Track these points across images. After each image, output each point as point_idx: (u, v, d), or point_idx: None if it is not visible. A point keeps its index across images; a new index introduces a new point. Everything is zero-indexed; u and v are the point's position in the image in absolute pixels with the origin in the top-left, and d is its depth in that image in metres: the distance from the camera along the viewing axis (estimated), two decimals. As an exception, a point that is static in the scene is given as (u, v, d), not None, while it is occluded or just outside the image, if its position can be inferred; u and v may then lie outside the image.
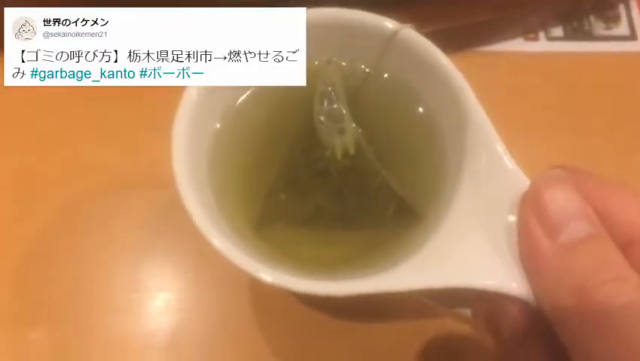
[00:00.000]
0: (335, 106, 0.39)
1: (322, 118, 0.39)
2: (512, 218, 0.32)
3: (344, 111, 0.39)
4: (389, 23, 0.38)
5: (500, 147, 0.34)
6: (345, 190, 0.39)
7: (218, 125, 0.38)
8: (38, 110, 0.55)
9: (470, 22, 0.57)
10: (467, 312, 0.38)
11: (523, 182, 0.33)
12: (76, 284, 0.49)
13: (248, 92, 0.39)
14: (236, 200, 0.38)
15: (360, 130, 0.39)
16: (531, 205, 0.31)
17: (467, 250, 0.33)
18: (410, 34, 0.37)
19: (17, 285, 0.49)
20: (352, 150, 0.38)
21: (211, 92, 0.35)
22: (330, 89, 0.39)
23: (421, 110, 0.40)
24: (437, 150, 0.38)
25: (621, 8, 0.61)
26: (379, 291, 0.31)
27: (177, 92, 0.33)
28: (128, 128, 0.50)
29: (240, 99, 0.39)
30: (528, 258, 0.31)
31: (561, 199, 0.30)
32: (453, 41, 0.56)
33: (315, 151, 0.39)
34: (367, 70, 0.40)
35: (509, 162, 0.34)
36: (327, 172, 0.38)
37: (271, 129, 0.40)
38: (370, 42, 0.38)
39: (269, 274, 0.31)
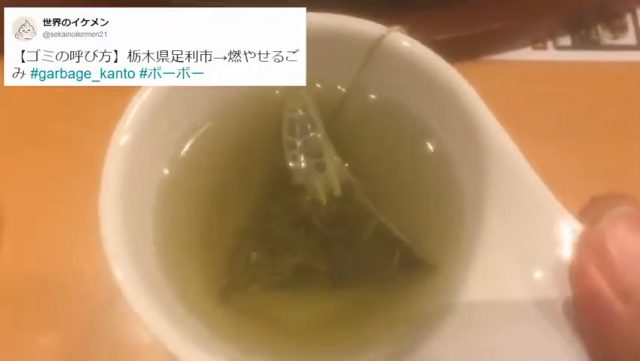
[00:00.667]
0: (311, 136, 0.31)
1: (295, 153, 0.30)
2: (558, 269, 0.24)
3: (322, 141, 0.31)
4: (372, 27, 0.29)
5: (533, 178, 0.26)
6: (332, 242, 0.30)
7: (166, 172, 0.31)
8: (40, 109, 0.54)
9: (481, 31, 0.56)
10: None
11: (568, 219, 0.25)
12: (85, 288, 0.48)
13: (201, 129, 0.32)
14: (192, 267, 0.30)
15: (346, 164, 0.31)
16: (594, 256, 0.23)
17: (501, 316, 0.24)
18: (399, 39, 0.29)
19: (25, 288, 0.48)
20: (337, 191, 0.30)
21: (154, 128, 0.29)
22: (302, 114, 0.31)
23: (421, 134, 0.31)
24: (448, 182, 0.30)
25: (628, 18, 0.60)
26: None
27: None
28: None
29: (193, 138, 0.32)
30: (594, 326, 0.23)
31: (635, 248, 0.22)
32: (464, 50, 0.55)
33: (290, 196, 0.31)
34: (347, 89, 0.32)
35: (545, 194, 0.26)
36: (309, 221, 0.30)
37: (232, 173, 0.32)
38: (349, 54, 0.30)
39: None
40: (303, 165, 0.30)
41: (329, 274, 0.30)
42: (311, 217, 0.30)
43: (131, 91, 0.29)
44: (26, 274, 0.48)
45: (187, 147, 0.31)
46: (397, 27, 0.29)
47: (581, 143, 0.53)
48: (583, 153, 0.52)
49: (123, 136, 0.28)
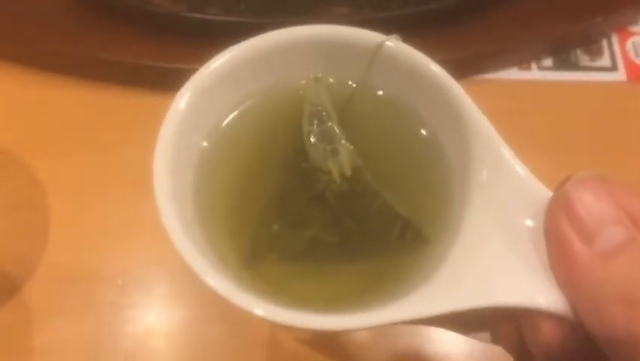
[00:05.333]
0: (326, 125, 0.30)
1: (313, 140, 0.30)
2: (531, 225, 0.24)
3: (337, 131, 0.30)
4: (374, 36, 0.29)
5: (507, 153, 0.26)
6: (343, 217, 0.29)
7: (205, 144, 0.30)
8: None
9: (472, 53, 0.52)
10: (486, 336, 0.28)
11: (537, 186, 0.25)
12: (118, 280, 0.44)
13: (235, 111, 0.31)
14: (224, 232, 0.29)
15: (354, 149, 0.30)
16: (562, 209, 0.23)
17: (486, 267, 0.24)
18: (397, 45, 0.29)
19: (66, 282, 0.44)
20: (348, 172, 0.29)
21: (199, 102, 0.28)
22: (319, 108, 0.30)
23: (417, 124, 0.30)
24: (439, 164, 0.30)
25: (604, 43, 0.56)
26: (388, 322, 0.23)
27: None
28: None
29: (228, 118, 0.31)
30: (563, 267, 0.23)
31: (594, 203, 0.22)
32: (457, 70, 0.50)
33: (308, 176, 0.30)
34: (357, 86, 0.31)
35: (519, 167, 0.26)
36: (324, 198, 0.29)
37: (260, 153, 0.31)
38: (357, 57, 0.30)
39: (275, 312, 0.23)
40: (319, 150, 0.30)
41: (340, 245, 0.29)
42: (325, 194, 0.29)
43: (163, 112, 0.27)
44: (69, 269, 0.44)
45: (222, 125, 0.30)
46: (395, 35, 0.29)
47: (561, 152, 0.50)
48: (562, 160, 0.48)
49: (181, 101, 0.28)
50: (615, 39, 0.55)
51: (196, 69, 0.28)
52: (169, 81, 0.50)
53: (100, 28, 0.51)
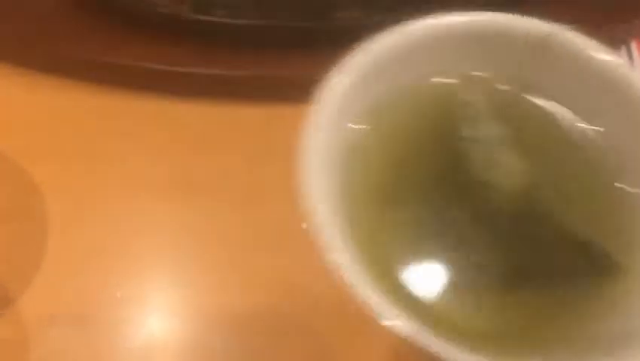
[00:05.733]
0: (485, 130, 0.26)
1: (470, 147, 0.26)
2: None
3: (498, 137, 0.26)
4: (540, 25, 0.25)
5: None
6: (513, 240, 0.25)
7: (350, 141, 0.26)
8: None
9: None
10: None
11: None
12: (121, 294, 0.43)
13: (379, 109, 0.26)
14: (372, 250, 0.24)
15: (519, 159, 0.26)
16: None
17: None
18: (565, 36, 0.25)
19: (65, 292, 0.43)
20: (517, 186, 0.25)
21: (345, 97, 0.25)
22: (475, 109, 0.27)
23: (592, 130, 0.26)
24: (620, 176, 0.25)
25: (623, 50, 0.54)
26: None
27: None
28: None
29: (373, 116, 0.26)
30: None
31: None
32: None
33: (469, 190, 0.25)
34: (517, 85, 0.27)
35: None
36: (489, 217, 0.25)
37: (407, 158, 0.27)
38: (517, 50, 0.26)
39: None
40: (478, 159, 0.26)
41: (508, 274, 0.24)
42: (490, 213, 0.25)
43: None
44: (66, 279, 0.43)
45: (368, 122, 0.26)
46: (565, 25, 0.26)
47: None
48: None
49: (330, 93, 0.24)
50: (634, 46, 0.54)
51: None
52: (171, 85, 0.50)
53: (102, 30, 0.50)
